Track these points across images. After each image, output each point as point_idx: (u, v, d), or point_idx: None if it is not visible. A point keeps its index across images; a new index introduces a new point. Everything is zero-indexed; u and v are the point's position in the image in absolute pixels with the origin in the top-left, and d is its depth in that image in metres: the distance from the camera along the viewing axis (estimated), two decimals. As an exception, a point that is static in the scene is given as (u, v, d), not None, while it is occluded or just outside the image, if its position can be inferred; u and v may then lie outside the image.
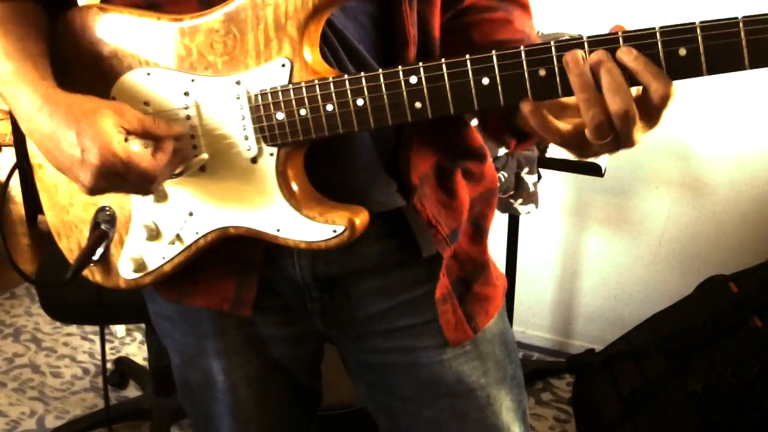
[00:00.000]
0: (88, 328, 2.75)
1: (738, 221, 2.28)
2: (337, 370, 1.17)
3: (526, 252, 2.50)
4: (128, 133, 0.81)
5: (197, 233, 0.91)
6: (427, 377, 1.01)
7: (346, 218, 0.85)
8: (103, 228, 0.96)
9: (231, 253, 0.96)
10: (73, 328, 2.78)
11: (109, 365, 2.57)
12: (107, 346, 2.70)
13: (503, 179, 1.99)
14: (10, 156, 4.41)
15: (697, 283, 2.10)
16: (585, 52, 0.72)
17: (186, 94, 0.87)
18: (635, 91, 0.73)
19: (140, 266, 0.95)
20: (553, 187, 2.46)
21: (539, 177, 2.06)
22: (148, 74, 0.87)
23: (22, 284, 3.11)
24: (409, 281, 1.00)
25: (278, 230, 0.87)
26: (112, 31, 0.89)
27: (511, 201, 2.06)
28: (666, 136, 2.29)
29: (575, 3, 2.33)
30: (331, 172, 0.91)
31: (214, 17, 0.84)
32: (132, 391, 2.44)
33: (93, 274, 1.00)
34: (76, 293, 1.90)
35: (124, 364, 2.51)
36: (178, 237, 0.92)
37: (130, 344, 2.71)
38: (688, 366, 1.86)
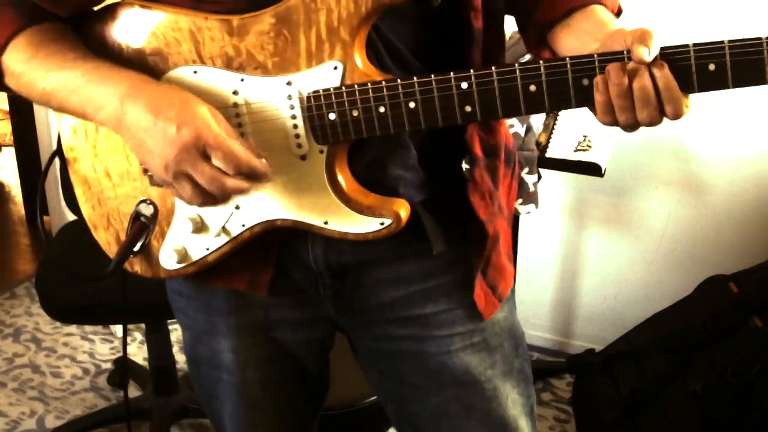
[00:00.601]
0: (88, 328, 2.75)
1: (738, 221, 2.28)
2: (338, 370, 1.17)
3: (526, 252, 2.50)
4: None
5: (244, 225, 0.93)
6: (435, 366, 1.03)
7: (392, 211, 0.88)
8: (143, 221, 0.97)
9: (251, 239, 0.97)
10: (73, 328, 2.78)
11: (109, 365, 2.57)
12: (107, 346, 2.70)
13: (503, 179, 1.99)
14: (10, 156, 4.41)
15: (697, 283, 2.10)
16: (626, 62, 0.79)
17: (235, 93, 0.88)
18: None
19: (183, 257, 0.97)
20: (553, 187, 2.46)
21: (539, 177, 2.06)
22: (195, 72, 0.88)
23: (22, 284, 3.11)
24: (422, 273, 1.02)
25: (326, 222, 0.90)
26: (156, 28, 0.89)
27: (511, 201, 2.06)
28: (666, 136, 2.29)
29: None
30: (364, 172, 0.93)
31: (264, 19, 0.85)
32: (132, 391, 2.44)
33: (132, 265, 1.01)
34: (76, 293, 1.91)
35: (124, 364, 2.51)
36: (224, 229, 0.94)
37: (130, 344, 2.71)
38: (688, 366, 1.86)
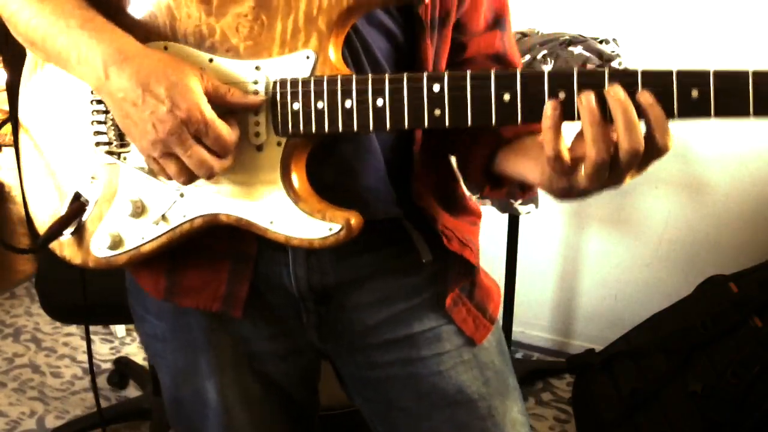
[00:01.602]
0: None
1: (738, 221, 2.28)
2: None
3: (526, 252, 2.50)
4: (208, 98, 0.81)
5: (185, 216, 0.89)
6: (427, 388, 1.00)
7: (343, 218, 0.84)
8: (83, 200, 0.93)
9: (224, 249, 0.95)
10: (73, 328, 2.78)
11: (109, 365, 2.57)
12: (107, 346, 2.70)
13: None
14: (10, 156, 4.41)
15: (697, 283, 2.10)
16: (605, 85, 0.74)
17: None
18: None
19: (117, 243, 0.92)
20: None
21: (539, 177, 2.06)
22: (165, 48, 0.86)
23: (22, 284, 3.11)
24: (407, 290, 1.00)
25: (271, 222, 0.86)
26: (140, 1, 0.88)
27: (511, 201, 2.06)
28: (666, 136, 2.29)
29: (575, 3, 2.33)
30: (332, 178, 0.91)
31: (244, 2, 0.84)
32: (132, 391, 2.44)
33: (61, 248, 0.96)
34: (76, 293, 1.90)
35: (124, 364, 2.51)
36: (163, 217, 0.90)
37: (130, 344, 2.71)
38: (688, 366, 1.86)
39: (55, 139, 0.95)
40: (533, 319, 2.68)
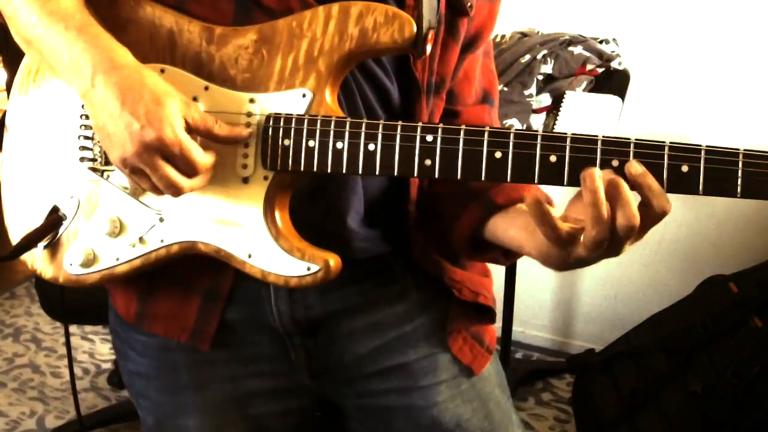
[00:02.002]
0: (88, 328, 2.75)
1: (738, 221, 2.28)
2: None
3: (526, 252, 2.50)
4: (188, 128, 0.80)
5: (162, 241, 0.88)
6: (426, 422, 0.98)
7: (322, 259, 0.84)
8: (60, 214, 0.92)
9: (197, 283, 0.94)
10: (73, 328, 2.78)
11: (109, 365, 2.57)
12: (107, 346, 2.70)
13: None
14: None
15: (697, 283, 2.10)
16: (597, 153, 0.76)
17: (195, 99, 0.86)
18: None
19: (90, 261, 0.91)
20: (553, 187, 2.46)
21: (539, 177, 2.06)
22: (162, 71, 0.86)
23: (22, 284, 3.11)
24: (397, 318, 0.99)
25: (249, 255, 0.85)
26: (140, 21, 0.88)
27: (511, 201, 2.05)
28: (666, 136, 2.28)
29: (575, 3, 2.33)
30: (317, 216, 0.91)
31: (246, 34, 0.85)
32: (132, 391, 2.44)
33: (33, 260, 0.95)
34: (76, 293, 1.90)
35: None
36: (140, 240, 0.89)
37: (130, 344, 2.71)
38: (688, 366, 1.86)
39: (39, 149, 0.95)
40: (533, 319, 2.68)
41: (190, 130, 0.80)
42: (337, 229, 0.92)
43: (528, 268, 2.57)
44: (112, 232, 0.89)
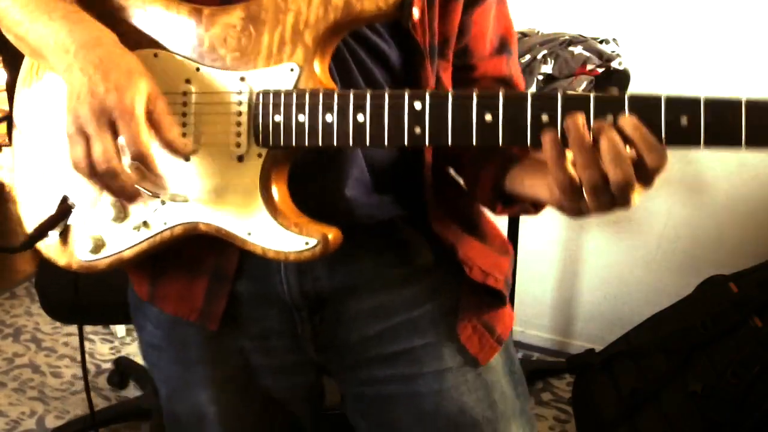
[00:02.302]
0: (88, 328, 2.75)
1: (738, 221, 2.28)
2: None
3: (526, 252, 2.50)
4: (148, 114, 0.80)
5: (165, 223, 0.89)
6: (428, 409, 0.97)
7: (320, 232, 0.84)
8: (69, 203, 0.93)
9: (204, 263, 0.95)
10: (73, 328, 2.78)
11: (109, 365, 2.57)
12: (107, 346, 2.70)
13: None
14: (10, 156, 4.42)
15: (697, 283, 2.10)
16: (591, 109, 0.73)
17: (188, 81, 0.87)
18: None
19: (98, 247, 0.92)
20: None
21: (539, 177, 2.06)
22: (155, 55, 0.88)
23: (22, 284, 3.11)
24: (407, 301, 0.98)
25: (249, 234, 0.86)
26: (131, 8, 0.89)
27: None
28: (666, 136, 2.29)
29: (575, 3, 2.33)
30: (319, 183, 0.91)
31: (234, 12, 0.85)
32: (132, 391, 2.44)
33: (47, 249, 0.97)
34: (76, 293, 1.90)
35: (124, 364, 2.51)
36: (144, 224, 0.90)
37: (130, 344, 2.71)
38: (688, 366, 1.85)
39: (46, 140, 0.96)
40: (533, 319, 2.69)
41: (149, 116, 0.80)
42: (338, 198, 0.92)
43: (528, 268, 2.57)
44: (118, 217, 0.90)
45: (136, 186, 0.82)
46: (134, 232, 0.90)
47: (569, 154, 0.75)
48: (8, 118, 1.03)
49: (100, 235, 0.92)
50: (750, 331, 1.78)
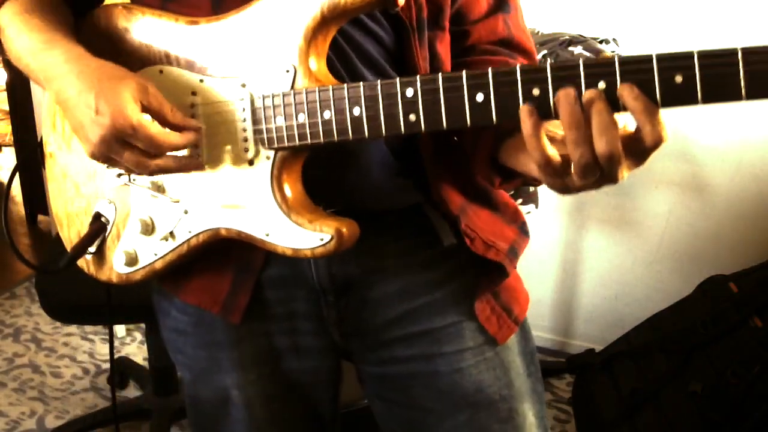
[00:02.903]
0: (88, 328, 2.75)
1: (738, 221, 2.28)
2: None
3: (526, 252, 2.49)
4: (144, 109, 0.83)
5: (190, 232, 0.92)
6: (446, 386, 0.99)
7: (333, 227, 0.85)
8: (103, 221, 0.97)
9: (230, 255, 0.97)
10: (73, 328, 2.78)
11: (108, 365, 2.57)
12: (107, 346, 2.70)
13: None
14: (10, 156, 4.41)
15: (697, 283, 2.10)
16: (581, 78, 0.72)
17: (194, 93, 0.89)
18: (622, 129, 0.73)
19: (132, 260, 0.96)
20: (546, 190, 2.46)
21: (539, 177, 2.06)
22: (161, 72, 0.90)
23: (22, 284, 3.11)
24: (428, 284, 1.00)
25: (267, 235, 0.88)
26: (133, 29, 0.92)
27: (511, 201, 2.06)
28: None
29: (575, 3, 2.33)
30: (340, 173, 0.92)
31: (228, 21, 0.87)
32: (132, 391, 2.44)
33: (88, 265, 1.01)
34: (76, 293, 1.90)
35: (124, 364, 2.51)
36: (171, 234, 0.93)
37: (130, 344, 2.71)
38: (688, 366, 1.86)
39: (76, 163, 1.00)
40: (533, 319, 2.66)
41: (146, 111, 0.83)
42: (361, 184, 0.93)
43: (528, 268, 2.57)
44: (146, 230, 0.94)
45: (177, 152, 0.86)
46: (162, 242, 0.94)
47: (555, 131, 0.74)
48: (39, 145, 1.08)
49: (133, 249, 0.96)
50: (750, 331, 1.78)
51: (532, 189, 2.05)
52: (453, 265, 1.00)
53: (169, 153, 0.85)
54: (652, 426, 1.85)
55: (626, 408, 1.93)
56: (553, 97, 0.73)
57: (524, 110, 0.73)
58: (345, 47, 0.90)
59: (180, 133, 0.85)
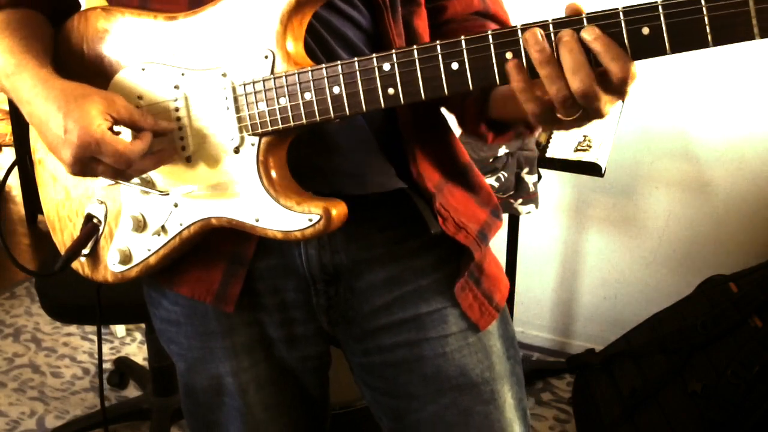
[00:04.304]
0: (88, 328, 2.75)
1: (738, 221, 2.29)
2: (337, 370, 1.17)
3: (526, 252, 2.50)
4: (115, 122, 0.85)
5: (181, 224, 0.94)
6: (431, 371, 1.02)
7: (322, 207, 0.86)
8: (95, 222, 0.98)
9: (222, 245, 0.98)
10: (73, 328, 2.79)
11: (108, 365, 2.57)
12: (107, 346, 2.70)
13: (503, 179, 1.99)
14: (10, 156, 4.42)
15: (697, 283, 2.10)
16: (551, 29, 0.75)
17: (176, 87, 0.91)
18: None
19: (126, 258, 0.97)
20: (553, 187, 2.46)
21: (539, 177, 2.06)
22: (143, 69, 0.92)
23: (22, 284, 3.11)
24: (416, 271, 1.02)
25: (257, 220, 0.89)
26: (113, 30, 0.94)
27: (511, 201, 2.06)
28: (666, 136, 2.29)
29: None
30: (324, 158, 0.94)
31: (205, 14, 0.89)
32: (132, 391, 2.44)
33: (83, 267, 1.02)
34: (76, 293, 1.91)
35: (124, 364, 2.51)
36: (163, 228, 0.94)
37: (130, 344, 2.71)
38: (688, 366, 1.86)
39: (64, 170, 1.00)
40: (533, 319, 2.69)
41: (117, 123, 0.86)
42: (345, 167, 0.95)
43: (528, 268, 2.58)
44: (137, 227, 0.95)
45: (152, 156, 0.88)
46: (155, 237, 0.95)
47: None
48: (27, 155, 1.10)
49: (126, 246, 0.97)
50: (750, 331, 1.78)
51: (532, 189, 2.05)
52: (438, 253, 1.02)
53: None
54: (652, 426, 1.85)
55: (626, 408, 1.93)
56: (526, 55, 0.76)
57: (512, 66, 0.76)
58: (323, 33, 0.92)
59: (144, 138, 0.87)
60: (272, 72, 0.86)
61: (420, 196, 0.98)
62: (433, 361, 1.01)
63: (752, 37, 0.68)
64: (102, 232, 0.99)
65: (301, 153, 0.91)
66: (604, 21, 0.72)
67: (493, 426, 1.02)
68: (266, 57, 0.86)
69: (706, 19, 0.69)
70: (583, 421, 2.15)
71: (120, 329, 2.76)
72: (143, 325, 2.56)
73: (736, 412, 1.68)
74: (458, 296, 1.01)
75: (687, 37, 0.70)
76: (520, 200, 2.06)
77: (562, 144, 2.01)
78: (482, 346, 1.03)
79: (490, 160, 1.98)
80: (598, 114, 0.77)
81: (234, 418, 1.07)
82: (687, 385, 1.82)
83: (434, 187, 0.98)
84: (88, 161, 0.85)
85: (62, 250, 1.03)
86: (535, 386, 2.46)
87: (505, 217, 2.23)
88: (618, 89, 0.75)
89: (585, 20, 0.73)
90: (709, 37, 0.69)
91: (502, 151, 1.97)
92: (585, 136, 1.99)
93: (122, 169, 0.86)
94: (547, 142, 2.04)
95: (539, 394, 2.43)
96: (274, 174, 0.89)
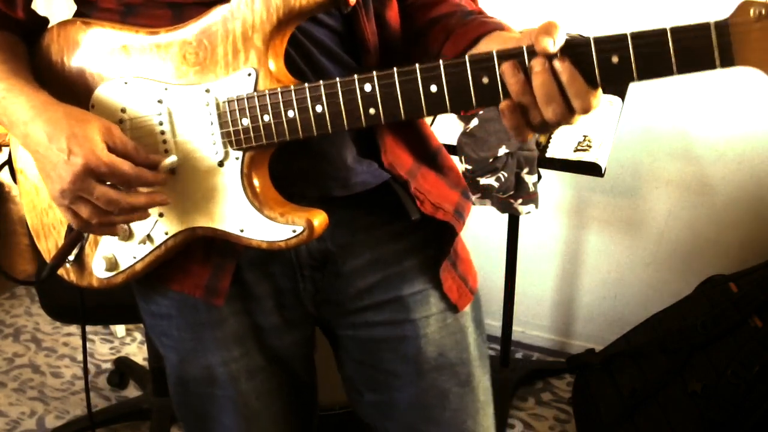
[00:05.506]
0: (88, 328, 2.75)
1: (738, 221, 2.29)
2: (335, 370, 1.17)
3: (526, 252, 2.50)
4: (110, 150, 0.87)
5: (166, 234, 0.95)
6: (412, 352, 1.06)
7: (304, 218, 0.90)
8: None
9: (211, 243, 0.99)
10: (73, 328, 2.79)
11: (108, 365, 2.57)
12: (107, 346, 2.70)
13: (503, 179, 1.99)
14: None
15: (697, 283, 2.10)
16: (525, 58, 0.78)
17: (160, 101, 0.92)
18: None
19: (113, 265, 0.99)
20: (553, 187, 2.46)
21: (539, 177, 2.06)
22: (126, 83, 0.93)
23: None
24: (397, 255, 1.05)
25: (242, 230, 0.92)
26: (94, 43, 0.94)
27: (511, 201, 2.06)
28: (666, 136, 2.29)
29: (575, 3, 2.33)
30: (308, 163, 0.96)
31: (188, 30, 0.90)
32: (132, 391, 2.44)
33: (68, 273, 1.03)
34: (75, 293, 1.90)
35: (124, 364, 2.51)
36: (148, 237, 0.96)
37: (130, 344, 2.71)
38: (688, 366, 1.86)
39: None
40: (533, 319, 2.69)
41: (112, 151, 0.87)
42: (330, 171, 0.98)
43: (528, 268, 2.57)
44: (123, 236, 0.97)
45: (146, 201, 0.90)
46: (140, 246, 0.97)
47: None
48: (8, 163, 1.12)
49: (112, 254, 0.99)
50: (750, 331, 1.78)
51: (532, 189, 2.05)
52: (419, 237, 1.05)
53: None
54: (652, 426, 1.85)
55: (626, 408, 1.93)
56: (502, 83, 0.79)
57: (508, 68, 0.78)
58: (304, 42, 0.93)
59: (153, 173, 0.89)
60: (255, 89, 0.88)
61: (403, 187, 1.01)
62: (413, 341, 1.05)
63: (714, 67, 0.74)
64: (87, 240, 1.00)
65: (285, 158, 0.93)
66: (577, 49, 0.76)
67: (468, 407, 1.08)
68: (249, 75, 0.88)
69: (671, 49, 0.74)
70: (583, 421, 2.15)
71: (120, 329, 2.76)
72: (143, 326, 2.56)
73: (736, 412, 1.68)
74: (441, 276, 1.05)
75: (654, 65, 0.75)
76: (520, 200, 2.06)
77: (562, 144, 2.01)
78: (459, 327, 1.08)
79: (490, 160, 1.98)
80: (569, 124, 0.82)
81: (226, 407, 1.09)
82: (687, 385, 1.82)
83: (407, 174, 1.01)
84: (87, 181, 0.85)
85: (46, 257, 1.04)
86: (535, 386, 2.46)
87: (505, 217, 2.23)
88: (580, 115, 0.80)
89: (558, 51, 0.76)
90: (674, 66, 0.74)
91: (502, 151, 1.97)
92: (585, 136, 1.99)
93: (117, 197, 0.87)
94: (547, 142, 2.04)
95: (539, 394, 2.43)
96: (257, 186, 0.91)
